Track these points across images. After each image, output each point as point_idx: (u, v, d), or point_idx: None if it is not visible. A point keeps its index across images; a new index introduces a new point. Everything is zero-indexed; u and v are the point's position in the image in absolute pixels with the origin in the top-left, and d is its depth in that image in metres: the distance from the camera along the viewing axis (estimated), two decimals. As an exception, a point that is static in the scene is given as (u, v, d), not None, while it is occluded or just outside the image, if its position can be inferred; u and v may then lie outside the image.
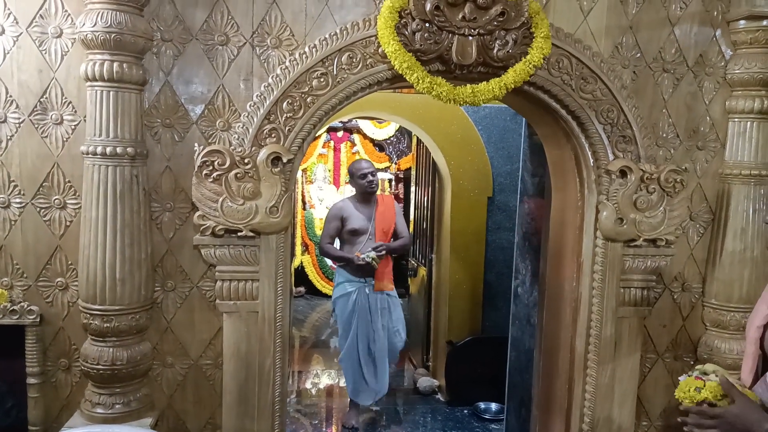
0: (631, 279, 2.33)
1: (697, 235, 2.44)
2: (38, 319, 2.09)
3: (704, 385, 1.61)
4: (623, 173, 2.25)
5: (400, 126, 6.84)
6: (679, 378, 1.71)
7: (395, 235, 4.27)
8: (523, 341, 3.29)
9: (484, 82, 2.12)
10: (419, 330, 5.41)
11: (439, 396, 4.86)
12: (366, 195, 4.12)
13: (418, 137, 5.29)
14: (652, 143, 2.31)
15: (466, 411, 4.56)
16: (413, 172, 6.12)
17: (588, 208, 2.36)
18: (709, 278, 2.42)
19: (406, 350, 5.87)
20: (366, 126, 7.64)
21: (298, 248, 7.67)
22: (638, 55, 2.29)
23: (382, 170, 7.95)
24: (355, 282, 4.10)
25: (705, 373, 1.67)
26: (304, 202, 7.73)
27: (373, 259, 3.96)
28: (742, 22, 2.28)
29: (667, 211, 2.28)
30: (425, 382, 4.92)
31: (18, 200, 2.05)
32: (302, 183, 7.83)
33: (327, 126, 6.10)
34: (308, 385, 5.23)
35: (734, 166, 2.35)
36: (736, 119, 2.37)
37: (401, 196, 8.04)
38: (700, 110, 2.37)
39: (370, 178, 4.05)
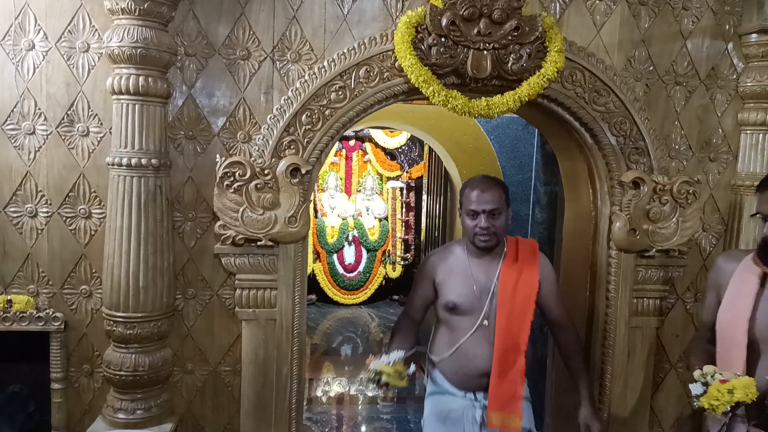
0: (644, 289, 2.35)
1: (710, 246, 2.46)
2: (63, 326, 2.15)
3: (734, 387, 1.62)
4: (636, 184, 2.28)
5: (411, 135, 6.89)
6: (691, 387, 1.73)
7: (551, 324, 2.27)
8: (536, 350, 3.31)
9: (499, 95, 2.16)
10: (429, 338, 5.42)
11: (450, 404, 4.86)
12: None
13: (429, 146, 5.33)
14: (664, 155, 2.34)
15: (477, 419, 4.56)
16: (425, 181, 6.16)
17: (601, 219, 2.39)
18: (722, 289, 2.44)
19: (417, 358, 5.90)
20: (378, 135, 7.69)
21: (310, 256, 7.72)
22: (651, 68, 2.32)
23: (393, 179, 8.00)
24: (457, 397, 2.21)
25: (709, 376, 1.69)
26: (315, 210, 7.79)
27: (384, 375, 1.88)
28: (754, 35, 2.31)
29: (680, 222, 2.31)
30: (437, 390, 4.93)
31: (45, 210, 2.11)
32: (315, 190, 7.91)
33: (339, 135, 6.13)
34: (319, 393, 5.26)
35: (746, 177, 2.37)
36: (748, 131, 2.39)
37: (412, 204, 8.08)
38: (712, 122, 2.40)
39: (483, 225, 2.06)
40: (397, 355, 1.93)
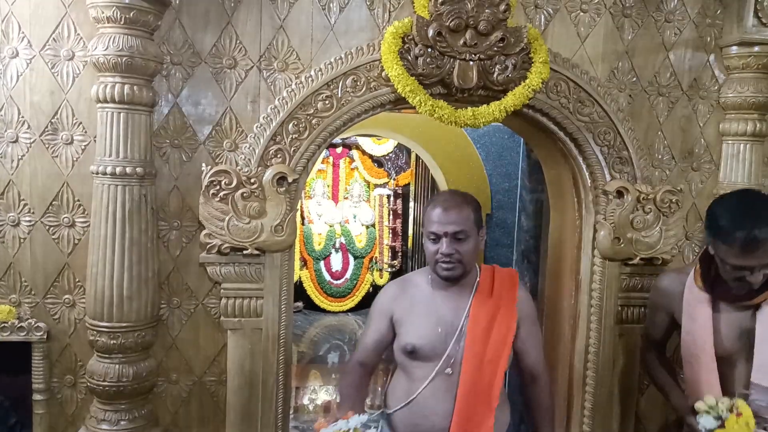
0: (628, 297, 2.37)
1: (693, 254, 2.48)
2: (45, 336, 2.13)
3: (747, 418, 1.63)
4: (620, 194, 2.30)
5: (398, 142, 6.91)
6: (701, 422, 1.72)
7: (523, 371, 1.98)
8: (522, 358, 3.32)
9: (485, 105, 2.17)
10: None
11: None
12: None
13: (417, 154, 5.35)
14: (648, 164, 2.37)
15: (464, 427, 4.56)
16: (412, 188, 6.18)
17: (586, 228, 2.41)
18: (705, 297, 2.46)
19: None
20: (365, 142, 7.71)
21: (297, 263, 7.70)
22: (634, 79, 2.35)
23: (380, 186, 8.01)
24: None
25: (722, 410, 1.69)
26: (302, 217, 7.77)
27: None
28: (734, 48, 2.35)
29: (663, 230, 2.33)
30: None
31: (28, 218, 2.09)
32: (301, 198, 7.88)
33: (326, 142, 6.14)
34: (306, 401, 5.24)
35: (728, 186, 2.40)
36: (729, 141, 2.42)
37: (399, 211, 8.09)
38: (695, 132, 2.43)
39: (445, 251, 1.78)
40: (358, 421, 1.62)
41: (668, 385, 2.07)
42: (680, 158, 2.43)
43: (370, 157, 7.92)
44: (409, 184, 7.77)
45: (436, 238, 1.78)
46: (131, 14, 1.90)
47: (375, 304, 1.97)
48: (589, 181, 2.35)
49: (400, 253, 8.12)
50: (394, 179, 8.03)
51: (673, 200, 2.33)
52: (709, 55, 2.41)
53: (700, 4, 2.38)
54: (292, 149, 2.13)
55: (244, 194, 2.10)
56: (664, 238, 2.33)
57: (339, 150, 7.88)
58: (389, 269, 8.07)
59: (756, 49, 2.31)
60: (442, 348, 1.77)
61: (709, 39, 2.40)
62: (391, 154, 7.92)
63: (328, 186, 7.98)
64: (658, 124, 2.39)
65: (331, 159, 7.91)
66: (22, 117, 2.05)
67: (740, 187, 2.36)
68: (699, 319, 1.88)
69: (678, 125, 2.41)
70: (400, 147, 7.72)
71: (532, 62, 2.15)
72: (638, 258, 2.33)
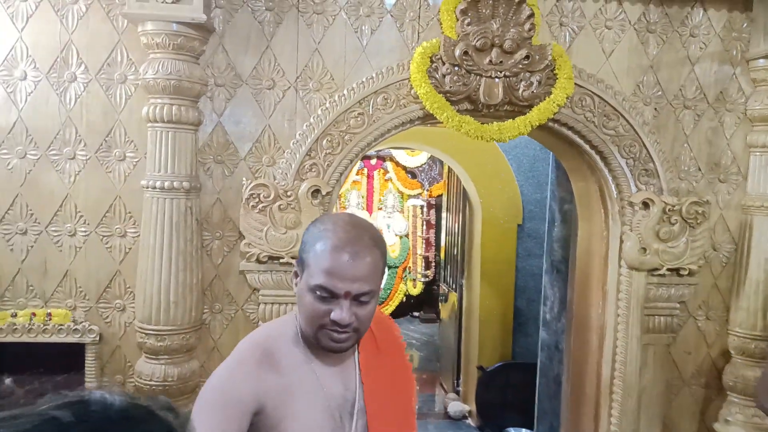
0: (655, 307, 2.41)
1: (721, 265, 2.50)
2: (98, 338, 2.29)
3: None
4: (646, 205, 2.35)
5: (431, 154, 7.00)
6: None
7: None
8: (552, 367, 3.36)
9: (510, 120, 2.26)
10: (450, 355, 5.48)
11: (469, 421, 4.91)
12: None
13: (449, 166, 5.43)
14: (674, 176, 2.41)
15: (496, 436, 4.60)
16: (444, 199, 6.25)
17: (612, 238, 2.46)
18: (734, 307, 2.47)
19: (437, 375, 5.95)
20: (399, 154, 7.83)
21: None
22: (659, 93, 2.40)
23: (414, 197, 8.10)
24: None
25: None
26: (337, 228, 7.90)
27: None
28: (761, 60, 2.38)
29: (690, 241, 2.36)
30: (456, 407, 4.98)
31: (83, 229, 2.26)
32: (336, 209, 8.03)
33: (361, 154, 6.25)
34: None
35: (756, 198, 2.42)
36: (757, 153, 2.44)
37: (432, 222, 8.16)
38: (721, 144, 2.46)
39: (343, 318, 1.15)
40: None
41: None
42: (707, 170, 2.46)
43: (404, 168, 8.03)
44: (442, 195, 7.84)
45: (329, 296, 1.15)
46: (179, 41, 2.06)
47: (219, 394, 1.17)
48: (615, 192, 2.40)
49: (433, 263, 8.19)
50: (428, 190, 8.11)
51: (700, 211, 2.36)
52: (736, 68, 2.44)
53: (725, 19, 2.41)
54: (326, 164, 2.25)
55: (281, 206, 2.23)
56: (690, 249, 2.36)
57: (373, 162, 8.01)
58: (422, 279, 8.14)
59: (783, 61, 2.33)
60: None
61: (735, 52, 2.43)
62: (424, 166, 8.02)
63: (362, 197, 8.11)
64: (684, 136, 2.43)
65: (365, 170, 8.05)
66: (79, 136, 2.23)
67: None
68: None
69: (704, 137, 2.45)
70: (433, 158, 7.81)
71: (557, 78, 2.22)
72: (664, 268, 2.36)
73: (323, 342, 1.20)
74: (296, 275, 1.22)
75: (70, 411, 0.52)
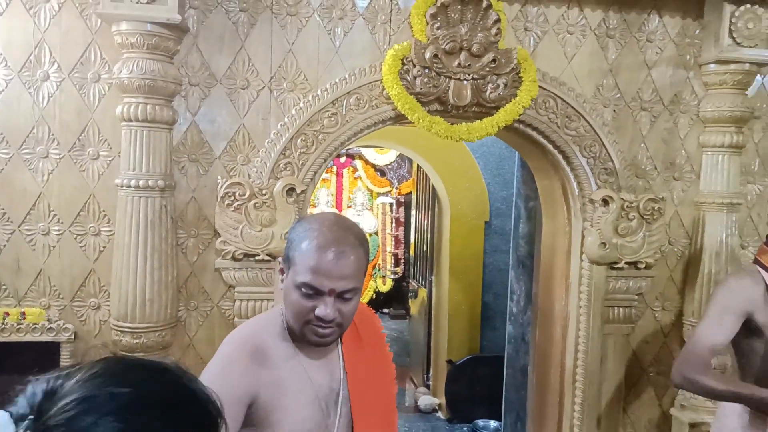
0: (614, 299, 2.54)
1: (676, 258, 2.65)
2: (72, 336, 2.29)
3: None
4: (605, 202, 2.47)
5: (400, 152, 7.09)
6: None
7: None
8: (518, 359, 3.48)
9: (478, 121, 2.35)
10: (420, 350, 5.58)
11: (439, 414, 5.01)
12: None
13: (418, 164, 5.53)
14: (631, 174, 2.54)
15: (465, 428, 4.72)
16: (413, 197, 6.35)
17: (575, 234, 2.58)
18: (688, 298, 2.62)
19: (407, 369, 6.04)
20: (368, 152, 7.90)
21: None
22: (618, 95, 2.52)
23: (383, 194, 8.19)
24: None
25: None
26: (307, 226, 7.93)
27: None
28: (713, 65, 2.52)
29: (647, 236, 2.50)
30: (426, 400, 5.09)
31: (57, 228, 2.26)
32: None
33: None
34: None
35: (708, 195, 2.56)
36: (709, 152, 2.59)
37: (402, 219, 8.26)
38: (676, 144, 2.60)
39: (327, 315, 1.23)
40: None
41: (741, 385, 1.80)
42: (663, 168, 2.60)
43: (373, 166, 8.10)
44: (411, 192, 7.94)
45: (315, 293, 1.22)
46: (153, 41, 2.09)
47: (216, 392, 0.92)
48: (577, 190, 2.52)
49: (402, 260, 8.29)
50: (397, 188, 8.21)
51: (656, 208, 2.49)
52: (689, 72, 2.58)
53: (680, 25, 2.55)
54: (300, 162, 2.31)
55: (257, 204, 2.27)
56: (647, 244, 2.50)
57: (343, 160, 8.06)
58: (392, 276, 8.23)
59: (732, 66, 2.47)
60: (327, 426, 1.32)
61: (688, 57, 2.57)
62: (393, 164, 8.10)
63: (332, 195, 8.16)
64: (641, 136, 2.56)
65: (334, 168, 8.10)
66: (52, 135, 2.23)
67: (720, 195, 2.53)
68: None
69: (660, 138, 2.58)
70: (402, 157, 7.90)
71: (522, 81, 2.32)
72: (623, 262, 2.49)
73: (308, 336, 1.27)
74: (282, 272, 1.29)
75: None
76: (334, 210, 8.07)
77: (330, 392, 1.33)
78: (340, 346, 1.39)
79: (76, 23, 2.19)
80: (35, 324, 2.26)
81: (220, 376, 1.23)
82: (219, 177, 2.28)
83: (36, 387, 0.57)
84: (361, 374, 1.38)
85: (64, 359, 2.30)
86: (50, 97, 2.21)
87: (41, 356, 2.32)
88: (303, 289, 1.22)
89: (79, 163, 2.25)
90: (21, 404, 0.56)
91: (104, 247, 2.29)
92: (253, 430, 1.24)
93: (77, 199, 2.26)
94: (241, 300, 2.35)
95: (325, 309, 1.22)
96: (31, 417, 0.54)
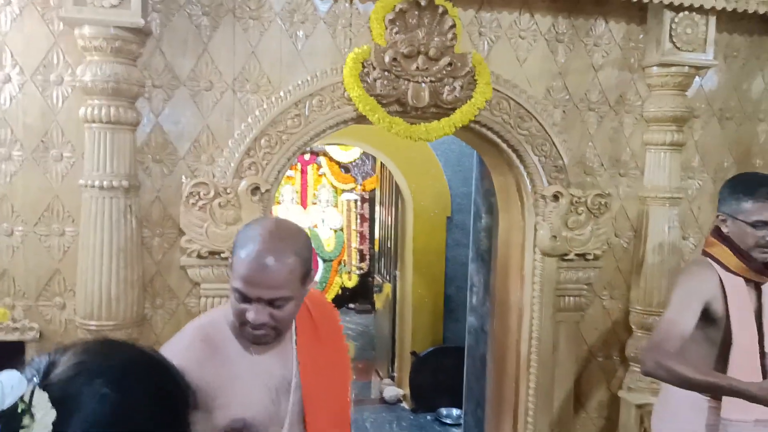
0: (565, 288, 2.68)
1: (622, 250, 2.81)
2: (38, 336, 2.31)
3: None
4: (556, 197, 2.61)
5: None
6: None
7: None
8: (478, 348, 3.61)
9: (436, 121, 2.46)
10: (385, 343, 5.69)
11: (403, 404, 5.14)
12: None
13: (381, 161, 5.62)
14: (580, 171, 2.68)
15: (429, 417, 4.85)
16: (377, 194, 6.44)
17: (528, 228, 2.71)
18: (633, 287, 2.78)
19: (372, 362, 6.15)
20: (332, 149, 7.94)
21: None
22: (567, 96, 2.66)
23: (347, 191, 8.26)
24: None
25: None
26: (272, 223, 7.94)
27: None
28: (655, 68, 2.67)
29: (594, 229, 2.65)
30: (391, 391, 5.20)
31: (20, 228, 2.28)
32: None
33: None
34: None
35: (651, 190, 2.73)
36: (652, 150, 2.75)
37: (366, 216, 8.35)
38: (622, 143, 2.76)
39: (255, 319, 1.31)
40: None
41: (718, 376, 1.80)
42: (609, 165, 2.75)
43: (337, 163, 8.16)
44: (375, 189, 8.03)
45: (244, 298, 1.30)
46: (116, 44, 2.12)
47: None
48: (529, 186, 2.65)
49: (367, 256, 8.38)
50: (361, 184, 8.29)
51: (603, 203, 2.65)
52: (633, 74, 2.74)
53: (624, 30, 2.70)
54: (265, 162, 2.37)
55: (221, 203, 2.33)
56: (594, 236, 2.65)
57: (307, 157, 8.10)
58: (357, 271, 8.32)
59: (672, 69, 2.63)
60: (277, 414, 1.37)
61: (632, 60, 2.72)
62: (357, 161, 8.18)
63: (296, 192, 8.19)
64: (589, 135, 2.71)
65: (299, 166, 8.13)
66: (15, 136, 2.24)
67: (663, 190, 2.69)
68: (744, 308, 1.90)
69: (607, 136, 2.73)
70: (366, 154, 7.98)
71: (477, 83, 2.44)
72: (573, 254, 2.64)
73: (246, 335, 1.36)
74: (230, 269, 1.36)
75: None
76: (299, 207, 8.11)
77: (282, 380, 1.40)
78: (294, 337, 1.46)
79: (38, 26, 2.20)
80: (0, 324, 2.27)
81: (173, 359, 1.24)
82: (183, 177, 2.33)
83: (40, 359, 0.74)
84: (314, 363, 1.44)
85: (29, 359, 2.32)
86: (12, 99, 2.22)
87: (6, 356, 2.34)
88: (236, 294, 1.31)
89: (43, 165, 2.27)
90: (28, 371, 0.71)
91: (69, 247, 2.31)
92: (198, 413, 1.20)
93: (41, 200, 2.28)
94: (206, 297, 2.40)
95: (254, 314, 1.30)
96: (36, 379, 0.70)
